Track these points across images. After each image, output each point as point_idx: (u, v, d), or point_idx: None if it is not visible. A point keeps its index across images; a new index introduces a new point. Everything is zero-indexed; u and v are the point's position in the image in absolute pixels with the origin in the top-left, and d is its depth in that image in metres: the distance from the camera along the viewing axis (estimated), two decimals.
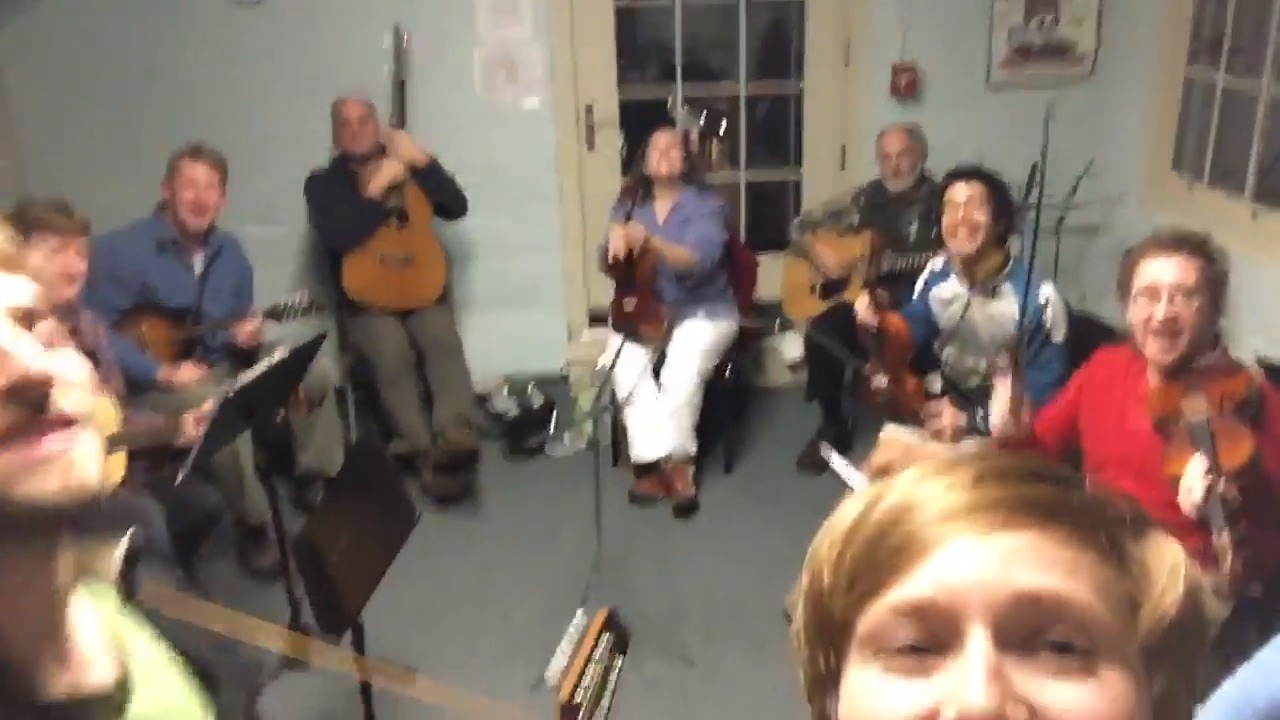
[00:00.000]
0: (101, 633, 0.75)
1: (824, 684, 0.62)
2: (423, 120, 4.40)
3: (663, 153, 3.97)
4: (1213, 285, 2.23)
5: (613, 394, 3.88)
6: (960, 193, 3.07)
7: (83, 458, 0.68)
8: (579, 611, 3.17)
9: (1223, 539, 1.92)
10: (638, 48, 5.09)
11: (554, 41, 4.51)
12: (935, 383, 3.40)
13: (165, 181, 3.53)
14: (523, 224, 4.69)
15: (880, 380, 3.19)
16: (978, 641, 0.53)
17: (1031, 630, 0.53)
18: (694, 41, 4.77)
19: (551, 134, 4.64)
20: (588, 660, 2.82)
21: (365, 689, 2.33)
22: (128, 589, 0.72)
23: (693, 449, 3.94)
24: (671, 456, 3.88)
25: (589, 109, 4.66)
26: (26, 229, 2.80)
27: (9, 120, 4.43)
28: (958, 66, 4.52)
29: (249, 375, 2.73)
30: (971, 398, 3.17)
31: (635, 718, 2.92)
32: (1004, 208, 3.07)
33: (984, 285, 3.12)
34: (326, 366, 3.77)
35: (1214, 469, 1.98)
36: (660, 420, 3.89)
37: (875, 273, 3.29)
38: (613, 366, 3.35)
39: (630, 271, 3.89)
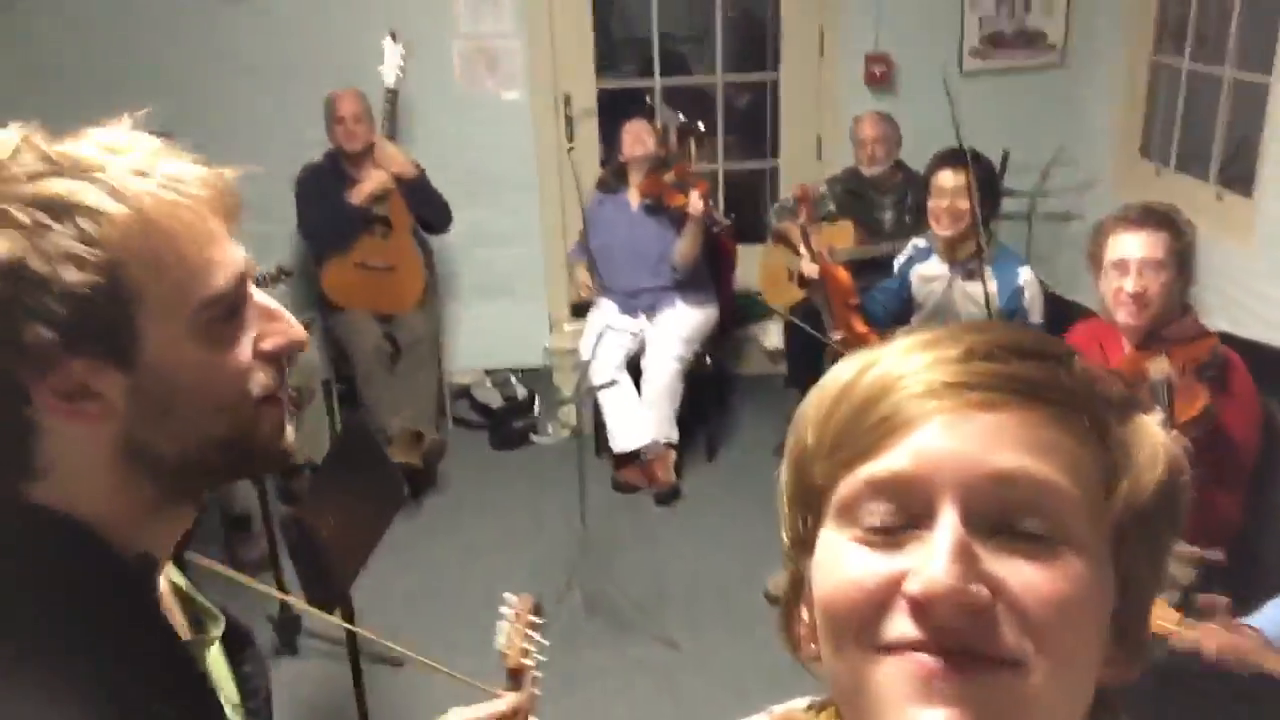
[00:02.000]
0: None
1: (801, 546, 0.63)
2: (403, 114, 4.42)
3: (635, 136, 4.03)
4: (1180, 257, 2.29)
5: (592, 382, 3.92)
6: (948, 179, 3.13)
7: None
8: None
9: None
10: (615, 40, 5.13)
11: (532, 33, 4.54)
12: None
13: None
14: (503, 215, 4.72)
15: (835, 335, 3.26)
16: (948, 518, 0.54)
17: (1003, 511, 0.55)
18: (670, 32, 4.81)
19: (531, 126, 4.67)
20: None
21: (356, 672, 2.36)
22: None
23: (674, 437, 3.99)
24: (652, 445, 3.93)
25: (568, 100, 4.70)
26: None
27: None
28: (930, 55, 4.57)
29: None
30: None
31: (621, 701, 2.96)
32: (989, 193, 3.13)
33: (964, 266, 3.18)
34: (313, 358, 3.80)
35: (1168, 421, 2.05)
36: (639, 409, 3.93)
37: (809, 222, 3.35)
38: (591, 355, 3.38)
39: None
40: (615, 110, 4.63)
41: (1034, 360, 0.58)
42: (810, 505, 0.62)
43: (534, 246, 4.77)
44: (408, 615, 3.28)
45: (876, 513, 0.57)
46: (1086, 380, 0.59)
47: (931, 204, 3.18)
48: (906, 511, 0.56)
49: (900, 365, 0.59)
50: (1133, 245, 2.30)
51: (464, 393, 4.65)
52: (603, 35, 4.96)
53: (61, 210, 0.69)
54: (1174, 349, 2.25)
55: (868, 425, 0.58)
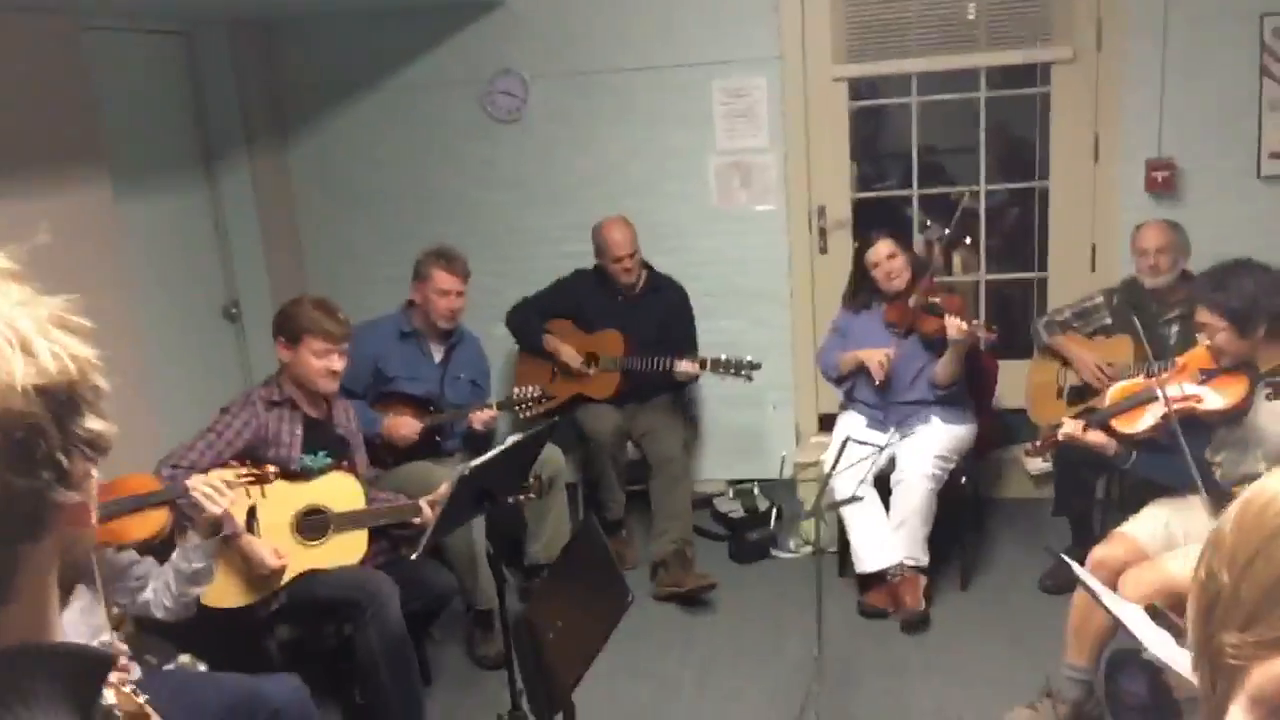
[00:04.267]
0: None
1: (1211, 707, 0.52)
2: (660, 226, 4.56)
3: (886, 271, 3.90)
4: None
5: (834, 496, 3.77)
6: (1202, 318, 2.86)
7: None
8: None
9: None
10: (875, 148, 5.08)
11: (788, 147, 4.58)
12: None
13: (416, 283, 3.80)
14: (754, 326, 4.72)
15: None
16: None
17: None
18: (931, 140, 4.70)
19: (784, 237, 4.68)
20: None
21: None
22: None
23: (924, 560, 3.74)
24: (899, 567, 3.70)
25: (821, 211, 4.67)
26: (298, 330, 3.09)
27: (292, 225, 4.96)
28: (1221, 159, 4.22)
29: (483, 458, 2.85)
30: None
31: None
32: (1250, 315, 2.79)
33: (1265, 384, 2.84)
34: (558, 459, 3.89)
35: None
36: (886, 528, 3.73)
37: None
38: (833, 467, 3.24)
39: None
40: (874, 221, 4.55)
41: None
42: (1218, 668, 0.51)
43: (784, 358, 4.72)
44: None
45: None
46: None
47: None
48: None
49: None
50: None
51: (706, 502, 4.60)
52: (863, 148, 4.93)
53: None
54: None
55: None
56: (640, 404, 4.24)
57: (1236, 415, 2.85)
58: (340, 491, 3.10)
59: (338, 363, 3.14)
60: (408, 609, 3.03)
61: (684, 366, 4.10)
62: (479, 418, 3.75)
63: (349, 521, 3.06)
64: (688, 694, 3.40)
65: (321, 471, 3.12)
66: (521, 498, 3.19)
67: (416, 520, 3.04)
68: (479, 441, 3.79)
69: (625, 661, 3.59)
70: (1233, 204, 4.19)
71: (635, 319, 4.23)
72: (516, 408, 3.82)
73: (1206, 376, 2.93)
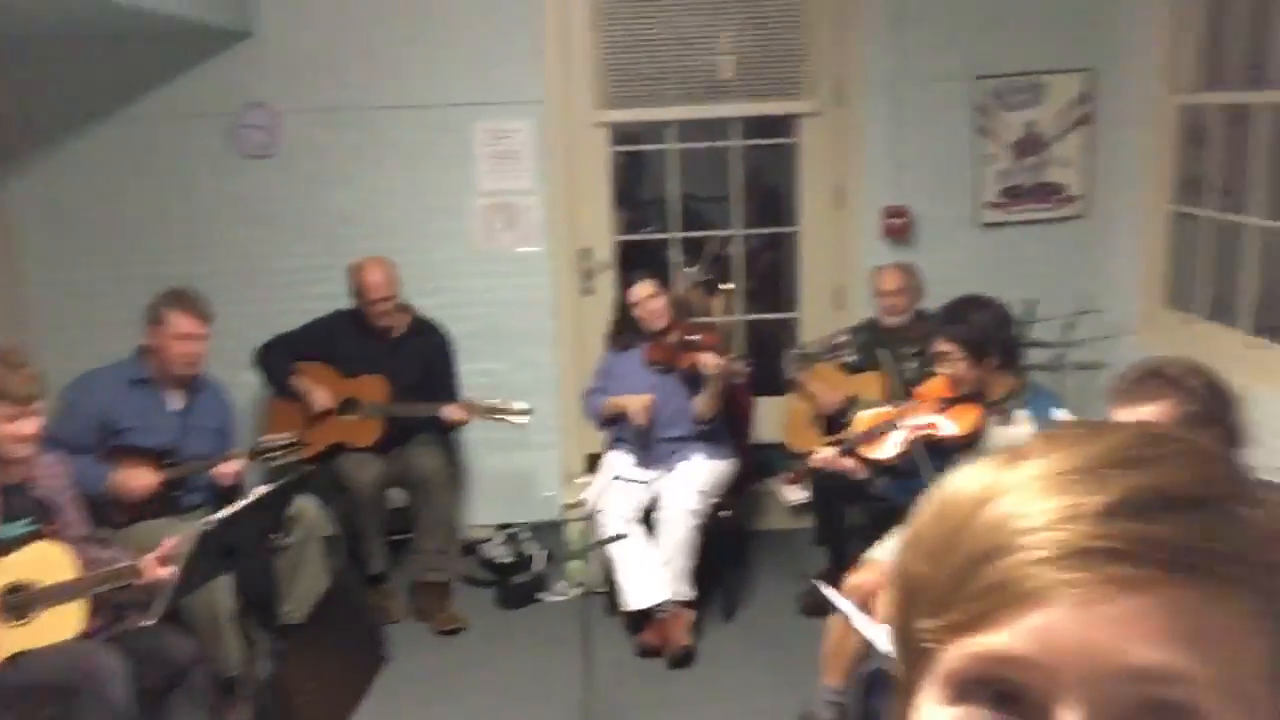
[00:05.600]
0: None
1: (904, 689, 0.54)
2: (421, 267, 4.45)
3: (649, 310, 3.98)
4: (1186, 423, 2.06)
5: (600, 534, 3.77)
6: (941, 349, 3.08)
7: None
8: None
9: None
10: (638, 192, 5.19)
11: (551, 190, 4.60)
12: None
13: (150, 327, 3.51)
14: (519, 368, 4.67)
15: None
16: None
17: (1137, 705, 0.45)
18: (692, 185, 4.85)
19: (548, 279, 4.68)
20: None
21: None
22: None
23: (690, 595, 3.79)
24: (666, 604, 3.73)
25: (585, 253, 4.71)
26: None
27: (10, 263, 4.49)
28: (948, 207, 4.58)
29: (225, 512, 2.65)
30: None
31: None
32: (984, 346, 3.02)
33: (996, 411, 3.06)
34: (312, 511, 3.68)
35: None
36: (653, 565, 3.76)
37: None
38: (599, 508, 3.24)
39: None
40: (637, 263, 4.63)
41: (1194, 513, 0.47)
42: (913, 653, 0.52)
43: (550, 399, 4.70)
44: None
45: (983, 697, 0.48)
46: (1258, 537, 0.48)
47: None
48: (1020, 697, 0.47)
49: (1028, 508, 0.48)
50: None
51: (472, 549, 4.49)
52: (626, 192, 5.03)
53: None
54: None
55: (984, 585, 0.48)
56: (403, 449, 4.09)
57: (971, 441, 3.06)
58: (45, 562, 2.77)
59: (28, 426, 2.81)
60: (141, 684, 2.75)
61: (451, 412, 4.00)
62: (224, 469, 3.49)
63: (57, 594, 2.74)
64: None
65: (22, 542, 2.79)
66: (273, 548, 2.98)
67: (138, 582, 2.77)
68: (227, 495, 3.53)
69: (384, 714, 3.43)
70: (957, 248, 4.55)
71: (397, 363, 4.09)
72: (267, 457, 3.59)
73: (944, 405, 3.14)
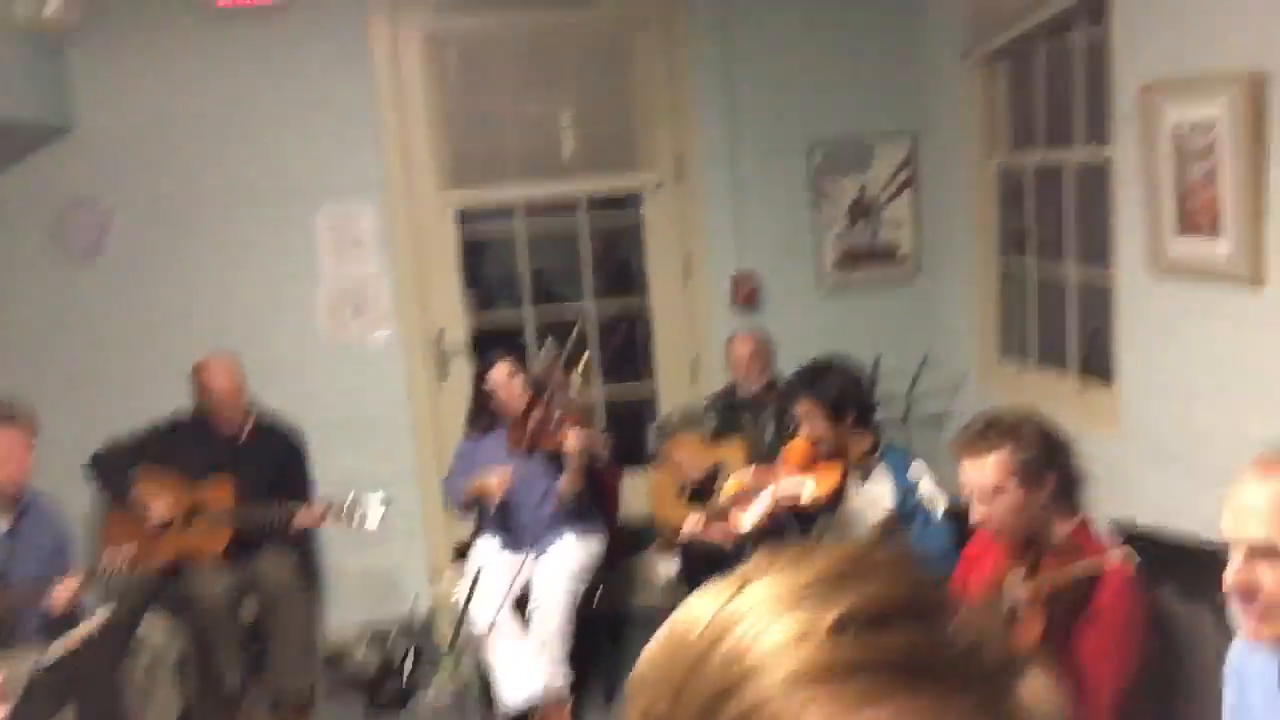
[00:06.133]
0: None
1: None
2: (268, 362, 4.29)
3: (507, 391, 3.94)
4: (1026, 468, 2.22)
5: (472, 629, 3.66)
6: (802, 410, 3.15)
7: None
8: None
9: None
10: (489, 272, 5.17)
11: (400, 273, 4.53)
12: None
13: None
14: (376, 460, 4.53)
15: None
16: None
17: None
18: (542, 265, 4.86)
19: (401, 365, 4.58)
20: None
21: None
22: None
23: (567, 682, 3.70)
24: (545, 694, 3.63)
25: (439, 336, 4.64)
26: None
27: None
28: (792, 272, 4.72)
29: (60, 646, 2.44)
30: None
31: None
32: (842, 405, 3.11)
33: (856, 469, 3.13)
34: (160, 633, 3.44)
35: None
36: (527, 658, 3.66)
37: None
38: (468, 600, 3.14)
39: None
40: (492, 344, 4.58)
41: (916, 623, 0.50)
42: None
43: (410, 491, 4.56)
44: None
45: None
46: (972, 643, 0.50)
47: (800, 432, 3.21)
48: None
49: (762, 633, 0.50)
50: (966, 472, 2.26)
51: (336, 656, 4.29)
52: (477, 272, 5.00)
53: None
54: (1049, 560, 2.17)
55: (732, 718, 0.48)
56: (253, 557, 3.89)
57: (834, 502, 3.12)
58: None
59: None
60: None
61: (303, 517, 3.82)
62: (59, 594, 3.24)
63: None
64: None
65: None
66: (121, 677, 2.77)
67: None
68: (64, 623, 3.26)
69: None
70: (803, 312, 4.68)
71: (245, 466, 3.90)
72: (107, 575, 3.34)
73: (807, 466, 3.20)
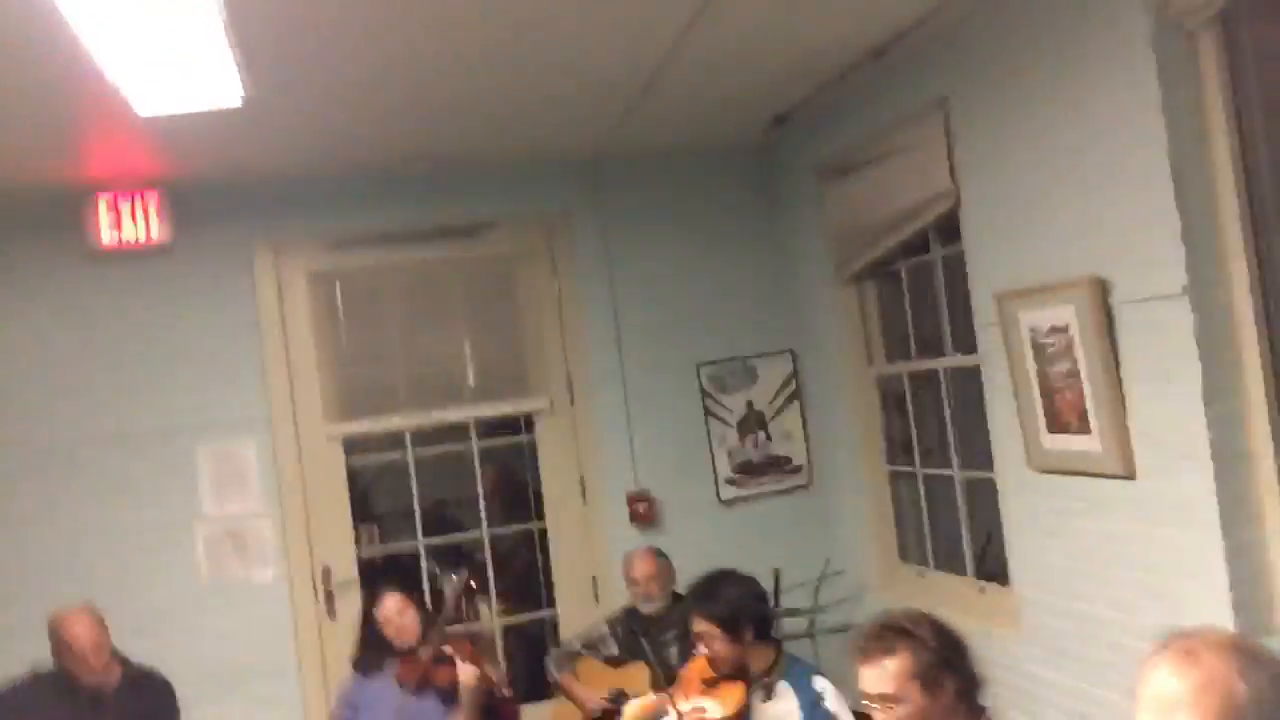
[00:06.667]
0: None
1: None
2: (139, 609, 4.05)
3: (399, 627, 3.75)
4: (926, 672, 2.16)
5: None
6: (698, 628, 3.07)
7: None
8: None
9: None
10: (379, 503, 5.04)
11: (285, 509, 4.39)
12: None
13: None
14: (259, 708, 4.24)
15: None
16: None
17: None
18: (436, 491, 4.76)
19: (286, 605, 4.36)
20: None
21: None
22: None
23: None
24: None
25: (326, 573, 4.45)
26: None
27: None
28: (689, 488, 4.73)
29: None
30: None
31: None
32: (738, 621, 3.04)
33: (761, 685, 3.02)
34: None
35: None
36: None
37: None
38: None
39: None
40: (384, 577, 4.40)
41: None
42: None
43: None
44: None
45: None
46: None
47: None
48: None
49: None
50: (865, 680, 2.21)
51: None
52: (367, 504, 4.87)
53: None
54: None
55: None
56: None
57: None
58: None
59: None
60: None
61: None
62: None
63: None
64: None
65: None
66: None
67: None
68: None
69: None
70: (703, 526, 4.66)
71: None
72: None
73: (708, 686, 3.08)
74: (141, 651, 3.85)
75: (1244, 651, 1.42)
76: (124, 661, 3.78)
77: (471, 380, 4.71)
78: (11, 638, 3.90)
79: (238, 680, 4.23)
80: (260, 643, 4.31)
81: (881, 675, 2.15)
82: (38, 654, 3.70)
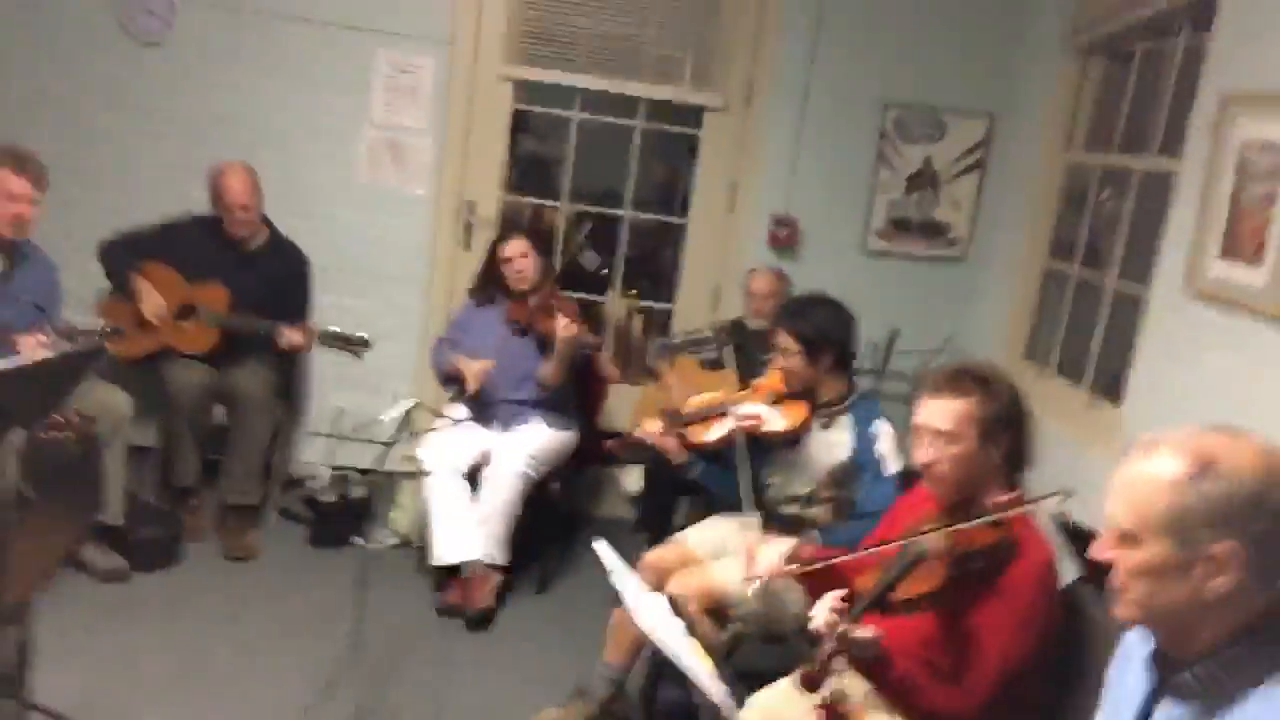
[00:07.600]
0: None
1: None
2: (296, 188, 4.32)
3: (518, 270, 3.90)
4: (985, 425, 2.13)
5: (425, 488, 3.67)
6: (779, 341, 3.04)
7: None
8: None
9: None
10: (529, 155, 5.10)
11: (447, 135, 4.49)
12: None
13: None
14: (385, 309, 4.55)
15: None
16: None
17: None
18: (588, 157, 4.77)
19: (429, 224, 4.56)
20: None
21: None
22: None
23: (502, 560, 3.70)
24: (476, 564, 3.63)
25: (471, 207, 4.61)
26: None
27: None
28: (837, 228, 4.59)
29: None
30: (788, 526, 3.01)
31: None
32: (821, 344, 2.99)
33: (825, 412, 3.04)
34: (120, 408, 3.50)
35: (877, 595, 1.96)
36: (469, 522, 3.66)
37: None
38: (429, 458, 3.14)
39: None
40: (518, 225, 4.55)
41: None
42: None
43: (408, 345, 4.57)
44: (152, 699, 2.90)
45: None
46: None
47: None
48: None
49: None
50: (924, 412, 2.18)
51: (297, 483, 4.34)
52: (521, 151, 4.94)
53: None
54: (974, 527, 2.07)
55: None
56: (235, 366, 3.93)
57: (794, 438, 3.03)
58: None
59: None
60: None
61: (290, 335, 3.84)
62: (25, 344, 3.29)
63: None
64: (215, 673, 3.12)
65: None
66: (53, 434, 2.81)
67: None
68: None
69: (158, 629, 3.28)
70: (837, 269, 4.54)
71: (246, 276, 3.92)
72: (74, 340, 3.39)
73: (775, 399, 3.11)
74: (290, 229, 4.17)
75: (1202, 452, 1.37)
76: (271, 227, 4.09)
77: (654, 57, 4.57)
78: (182, 178, 4.23)
79: (370, 281, 4.53)
80: (398, 251, 4.56)
81: (945, 411, 2.15)
82: (199, 200, 4.04)
